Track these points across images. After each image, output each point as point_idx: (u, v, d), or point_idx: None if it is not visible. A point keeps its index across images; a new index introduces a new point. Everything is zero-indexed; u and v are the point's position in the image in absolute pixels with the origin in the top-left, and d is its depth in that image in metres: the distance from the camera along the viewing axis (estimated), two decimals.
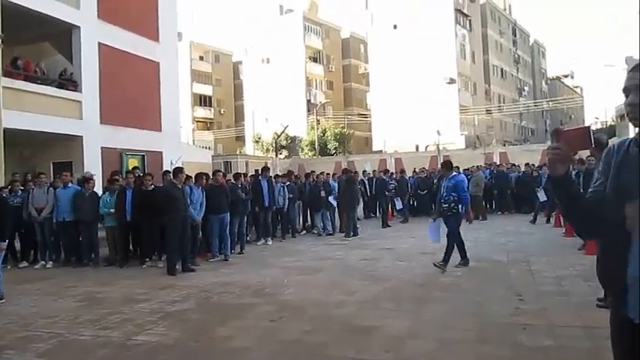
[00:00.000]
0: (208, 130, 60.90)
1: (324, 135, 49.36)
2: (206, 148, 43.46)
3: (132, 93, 17.42)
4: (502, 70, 61.15)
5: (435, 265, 8.16)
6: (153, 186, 10.20)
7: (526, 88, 67.41)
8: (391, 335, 5.07)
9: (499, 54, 60.51)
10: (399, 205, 17.04)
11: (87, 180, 10.74)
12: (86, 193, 10.38)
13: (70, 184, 10.71)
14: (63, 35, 16.28)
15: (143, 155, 18.18)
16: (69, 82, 16.09)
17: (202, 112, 61.32)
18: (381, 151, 45.49)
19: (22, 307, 6.84)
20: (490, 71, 57.59)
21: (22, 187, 11.22)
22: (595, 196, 2.03)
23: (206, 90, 61.81)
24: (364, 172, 20.30)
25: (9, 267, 9.94)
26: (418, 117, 45.05)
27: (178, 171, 9.67)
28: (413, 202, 19.01)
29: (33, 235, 10.64)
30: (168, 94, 19.85)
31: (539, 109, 66.76)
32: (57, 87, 15.80)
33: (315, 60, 57.12)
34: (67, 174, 10.95)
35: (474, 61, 53.43)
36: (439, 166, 25.91)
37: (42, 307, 6.86)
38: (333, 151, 48.17)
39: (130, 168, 15.11)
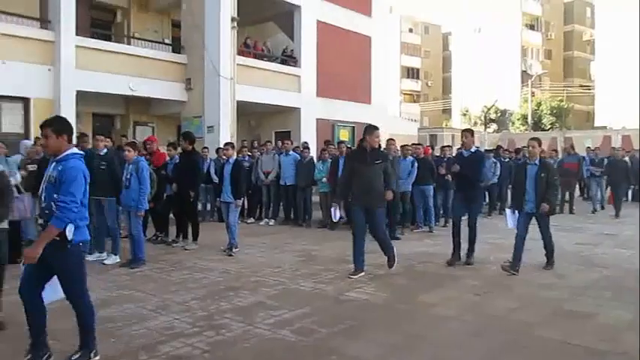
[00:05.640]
0: (415, 102, 61.05)
1: (538, 108, 45.97)
2: (412, 120, 43.72)
3: (345, 67, 18.35)
4: None
5: None
6: None
7: None
8: (606, 324, 4.73)
9: None
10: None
11: (305, 148, 11.75)
12: (304, 160, 11.36)
13: (290, 152, 11.80)
14: (286, 15, 17.74)
15: (353, 127, 19.10)
16: (290, 58, 17.55)
17: (409, 85, 61.57)
18: (605, 127, 40.81)
19: (252, 257, 7.88)
20: None
21: (249, 153, 12.73)
22: None
23: (414, 62, 61.81)
24: (587, 148, 18.41)
25: (239, 222, 11.42)
26: None
27: (390, 142, 10.05)
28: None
29: (260, 196, 12.04)
30: (378, 68, 20.45)
31: None
32: (280, 63, 17.38)
33: (532, 27, 53.11)
34: (288, 142, 12.07)
35: None
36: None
37: (268, 258, 7.82)
38: (549, 126, 44.63)
39: (341, 138, 16.09)
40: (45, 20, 12.66)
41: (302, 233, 10.35)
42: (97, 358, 3.80)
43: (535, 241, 7.18)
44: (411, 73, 61.96)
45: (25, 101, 12.04)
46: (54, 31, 12.31)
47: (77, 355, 3.73)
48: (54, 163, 3.70)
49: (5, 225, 4.77)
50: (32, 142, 9.07)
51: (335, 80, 17.93)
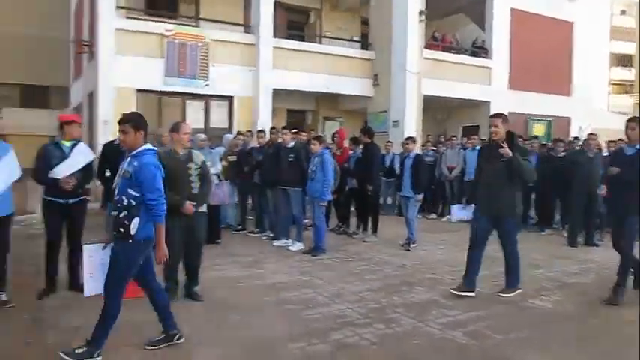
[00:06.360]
0: (627, 93, 54.26)
1: None
2: (622, 113, 38.95)
3: (541, 56, 17.03)
4: None
5: None
6: (564, 153, 9.84)
7: None
8: None
9: None
10: None
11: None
12: None
13: (477, 147, 11.29)
14: (477, 5, 17.00)
15: (549, 121, 17.69)
16: (480, 49, 16.81)
17: (620, 74, 54.85)
18: None
19: (430, 253, 7.74)
20: None
21: (433, 148, 12.51)
22: None
23: (627, 48, 54.87)
24: None
25: (419, 217, 11.32)
26: None
27: (590, 137, 9.14)
28: None
29: (442, 191, 11.78)
30: (581, 56, 18.57)
31: None
32: (469, 55, 16.74)
33: None
34: (474, 137, 11.62)
35: None
36: None
37: (446, 255, 7.61)
38: None
39: (535, 134, 15.01)
40: (247, 25, 13.90)
41: None
42: (99, 358, 3.59)
43: None
44: (623, 60, 55.13)
45: (230, 99, 13.39)
46: (255, 34, 13.45)
47: (81, 350, 3.57)
48: (129, 159, 3.71)
49: (204, 209, 5.34)
50: (233, 136, 10.02)
51: (530, 71, 16.74)
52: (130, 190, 3.62)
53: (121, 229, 3.62)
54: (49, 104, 22.09)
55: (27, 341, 4.00)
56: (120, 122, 3.77)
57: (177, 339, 3.96)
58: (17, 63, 20.71)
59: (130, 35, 11.95)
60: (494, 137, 5.32)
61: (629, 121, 5.52)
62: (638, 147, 5.36)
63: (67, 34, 18.86)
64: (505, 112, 15.71)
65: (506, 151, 5.13)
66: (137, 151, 3.70)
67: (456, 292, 5.34)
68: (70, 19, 18.81)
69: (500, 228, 5.46)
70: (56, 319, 4.47)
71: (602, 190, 5.67)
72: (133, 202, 3.60)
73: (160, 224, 3.66)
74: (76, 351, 3.56)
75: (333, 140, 10.06)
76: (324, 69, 14.41)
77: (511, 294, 5.47)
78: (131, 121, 3.73)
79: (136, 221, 3.60)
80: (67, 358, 3.51)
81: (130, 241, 3.60)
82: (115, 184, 3.78)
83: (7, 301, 4.83)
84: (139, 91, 12.12)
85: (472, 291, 5.37)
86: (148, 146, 3.77)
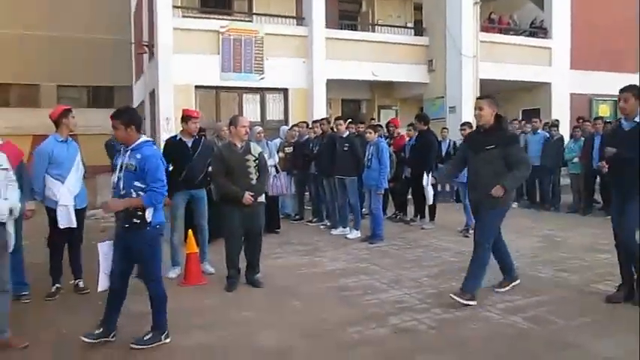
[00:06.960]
0: None
1: None
2: None
3: (605, 33, 16.20)
4: None
5: None
6: None
7: None
8: None
9: None
10: None
11: (552, 126, 10.88)
12: (552, 139, 10.50)
13: (539, 131, 10.99)
14: None
15: (615, 101, 16.85)
16: (539, 29, 16.23)
17: None
18: None
19: None
20: None
21: None
22: None
23: None
24: None
25: None
26: None
27: None
28: None
29: None
30: None
31: None
32: (527, 36, 16.20)
33: None
34: (535, 120, 11.29)
35: None
36: None
37: (506, 241, 7.43)
38: None
39: (600, 114, 14.42)
40: (300, 17, 14.02)
41: (548, 218, 9.62)
42: (168, 340, 3.87)
43: None
44: None
45: (285, 91, 13.58)
46: (307, 26, 13.56)
47: (149, 336, 3.83)
48: (129, 152, 3.78)
49: (262, 199, 5.50)
50: (289, 128, 10.17)
51: (593, 49, 15.97)
52: (136, 183, 3.73)
53: (136, 220, 3.74)
54: (114, 104, 23.09)
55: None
56: (111, 118, 3.87)
57: (112, 337, 3.93)
58: (84, 66, 21.77)
59: (187, 33, 12.31)
60: (479, 121, 4.85)
61: (621, 91, 4.73)
62: (637, 119, 4.57)
63: (128, 36, 19.63)
64: (567, 93, 15.36)
65: (497, 192, 4.62)
66: (135, 144, 3.80)
67: (499, 290, 4.99)
68: (130, 21, 19.55)
69: (478, 219, 4.96)
70: (126, 304, 4.73)
71: (603, 166, 4.84)
72: (141, 194, 3.72)
73: (145, 204, 3.71)
74: (145, 338, 3.83)
75: (387, 129, 10.01)
76: (378, 57, 14.33)
77: (463, 300, 4.59)
78: (119, 117, 3.81)
79: (150, 210, 3.75)
80: (138, 346, 3.77)
81: (148, 228, 3.77)
82: (116, 178, 3.83)
83: (84, 288, 5.20)
84: (197, 87, 12.50)
85: (515, 280, 5.11)
86: (145, 138, 3.89)
